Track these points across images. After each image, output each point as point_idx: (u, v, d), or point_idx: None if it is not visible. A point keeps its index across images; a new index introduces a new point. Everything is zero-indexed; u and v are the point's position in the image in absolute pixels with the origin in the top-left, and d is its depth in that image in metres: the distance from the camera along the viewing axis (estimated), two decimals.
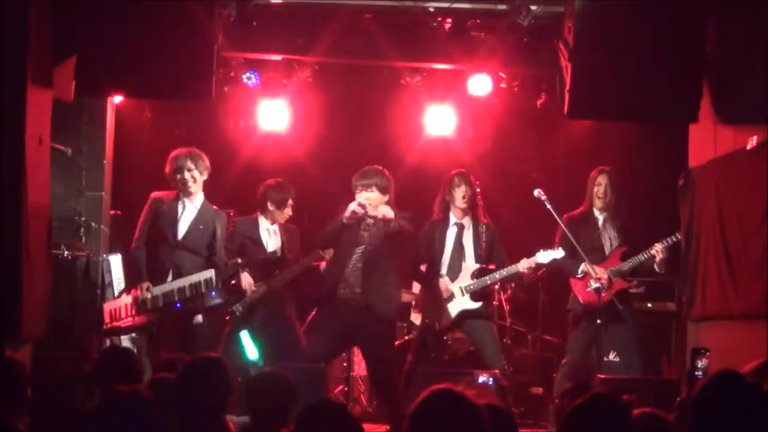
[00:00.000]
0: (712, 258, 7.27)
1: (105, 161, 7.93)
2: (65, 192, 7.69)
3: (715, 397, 2.82)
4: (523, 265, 7.03)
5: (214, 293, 6.64)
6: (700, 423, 2.84)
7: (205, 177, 7.02)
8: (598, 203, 7.29)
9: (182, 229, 6.91)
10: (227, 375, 3.64)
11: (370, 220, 6.99)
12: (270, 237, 7.35)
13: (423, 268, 7.42)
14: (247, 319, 7.09)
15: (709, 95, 7.08)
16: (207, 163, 7.02)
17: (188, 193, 6.96)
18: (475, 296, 7.12)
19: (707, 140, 7.43)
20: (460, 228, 7.22)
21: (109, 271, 7.60)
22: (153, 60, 6.67)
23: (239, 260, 7.06)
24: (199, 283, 6.68)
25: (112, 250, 7.75)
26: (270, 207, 7.34)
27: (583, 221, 7.23)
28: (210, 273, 6.69)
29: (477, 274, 7.12)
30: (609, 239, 7.26)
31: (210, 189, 8.63)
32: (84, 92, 7.07)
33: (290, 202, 7.39)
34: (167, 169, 6.96)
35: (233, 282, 7.05)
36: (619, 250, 7.19)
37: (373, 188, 6.95)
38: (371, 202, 6.92)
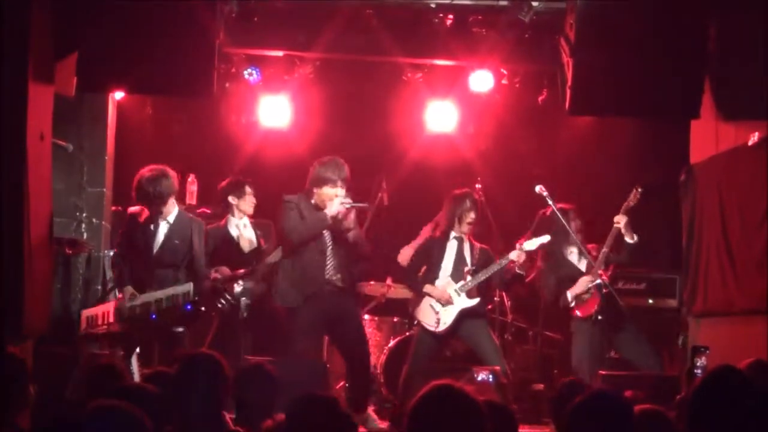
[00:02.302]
0: (714, 254, 7.27)
1: (106, 157, 7.93)
2: (66, 188, 7.69)
3: (714, 394, 2.81)
4: (513, 255, 7.05)
5: (189, 306, 6.61)
6: (698, 419, 2.84)
7: (172, 194, 6.91)
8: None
9: (157, 245, 6.84)
10: (224, 371, 3.64)
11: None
12: (241, 231, 7.40)
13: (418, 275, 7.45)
14: (234, 314, 7.12)
15: (711, 91, 7.07)
16: (172, 180, 6.88)
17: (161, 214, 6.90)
18: (471, 294, 7.13)
19: (709, 136, 7.42)
20: (460, 241, 7.27)
21: (111, 267, 7.61)
22: (154, 56, 6.67)
23: (216, 275, 7.05)
24: (177, 295, 6.62)
25: (113, 246, 7.75)
26: (232, 201, 7.37)
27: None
28: (189, 286, 6.64)
29: (471, 273, 7.15)
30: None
31: (211, 186, 8.65)
32: (85, 88, 7.06)
33: (248, 189, 7.40)
34: (133, 194, 6.86)
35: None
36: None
37: (343, 183, 6.86)
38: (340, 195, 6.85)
